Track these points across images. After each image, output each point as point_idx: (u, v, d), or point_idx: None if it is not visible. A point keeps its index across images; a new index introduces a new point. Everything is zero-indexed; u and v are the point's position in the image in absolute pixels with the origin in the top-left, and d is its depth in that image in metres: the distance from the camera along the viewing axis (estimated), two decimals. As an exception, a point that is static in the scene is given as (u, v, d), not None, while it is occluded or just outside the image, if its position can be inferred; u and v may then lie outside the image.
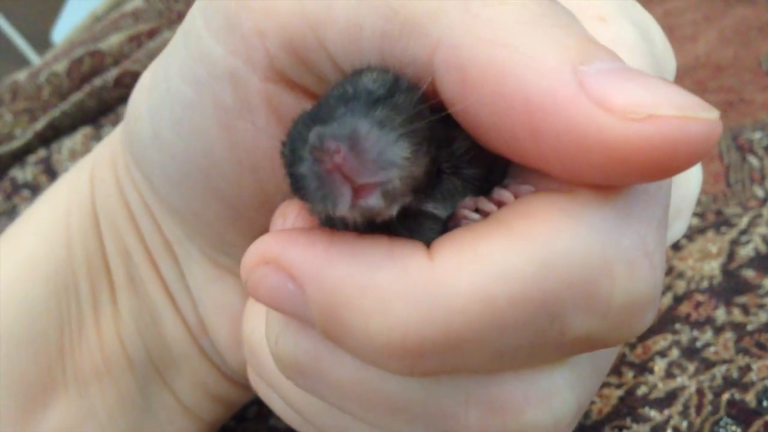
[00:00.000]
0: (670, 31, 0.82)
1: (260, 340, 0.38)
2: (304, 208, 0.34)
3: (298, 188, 0.28)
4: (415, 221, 0.30)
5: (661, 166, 0.25)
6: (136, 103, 0.42)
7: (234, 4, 0.33)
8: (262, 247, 0.30)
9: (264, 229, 0.38)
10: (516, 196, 0.29)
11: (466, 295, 0.26)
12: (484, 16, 0.27)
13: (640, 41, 0.34)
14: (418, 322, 0.26)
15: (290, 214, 0.35)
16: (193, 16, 0.36)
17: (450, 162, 0.31)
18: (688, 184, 0.42)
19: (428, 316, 0.26)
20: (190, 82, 0.36)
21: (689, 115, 0.24)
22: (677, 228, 0.42)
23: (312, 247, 0.28)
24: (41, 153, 0.77)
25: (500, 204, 0.29)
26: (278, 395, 0.38)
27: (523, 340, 0.27)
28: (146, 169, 0.42)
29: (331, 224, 0.30)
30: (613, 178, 0.26)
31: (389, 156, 0.26)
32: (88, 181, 0.48)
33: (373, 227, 0.29)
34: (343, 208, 0.26)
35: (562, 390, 0.30)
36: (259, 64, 0.33)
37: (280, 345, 0.32)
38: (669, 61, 0.39)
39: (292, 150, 0.29)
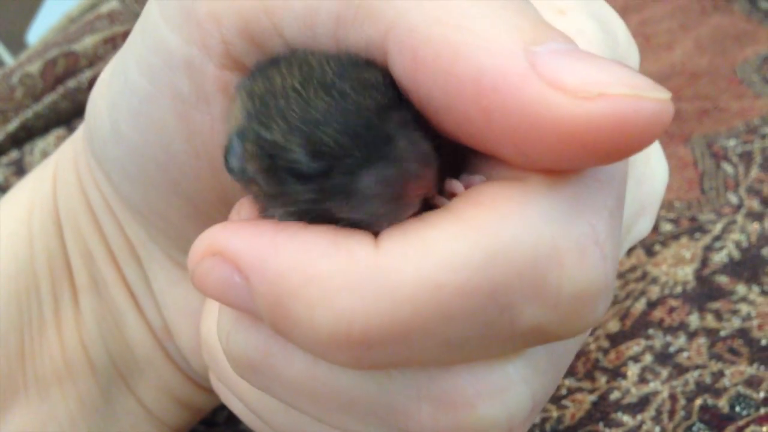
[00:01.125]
0: (646, 39, 0.83)
1: (216, 339, 0.36)
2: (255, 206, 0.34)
3: (330, 197, 0.28)
4: None
5: (612, 147, 0.24)
6: (96, 100, 0.41)
7: None
8: (208, 239, 0.29)
9: None
10: (467, 187, 0.29)
11: (413, 284, 0.25)
12: None
13: (599, 33, 0.34)
14: (364, 311, 0.26)
15: (243, 210, 0.34)
16: (149, 6, 0.35)
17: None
18: (653, 180, 0.42)
19: (373, 306, 0.25)
20: (146, 73, 0.35)
21: (640, 94, 0.24)
22: (643, 225, 0.42)
23: (258, 237, 0.28)
24: (13, 154, 0.76)
25: (452, 196, 0.29)
26: (234, 395, 0.38)
27: (472, 330, 0.26)
28: (107, 166, 0.42)
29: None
30: (565, 160, 0.26)
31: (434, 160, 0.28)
32: (51, 180, 0.47)
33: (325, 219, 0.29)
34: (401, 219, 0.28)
35: (515, 384, 0.29)
36: (214, 50, 0.32)
37: (231, 342, 0.32)
38: (632, 55, 0.39)
39: (325, 162, 0.28)
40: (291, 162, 0.28)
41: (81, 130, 0.47)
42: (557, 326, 0.27)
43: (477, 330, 0.26)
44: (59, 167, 0.47)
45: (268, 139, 0.29)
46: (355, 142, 0.27)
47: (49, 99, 0.77)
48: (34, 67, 0.78)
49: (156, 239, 0.44)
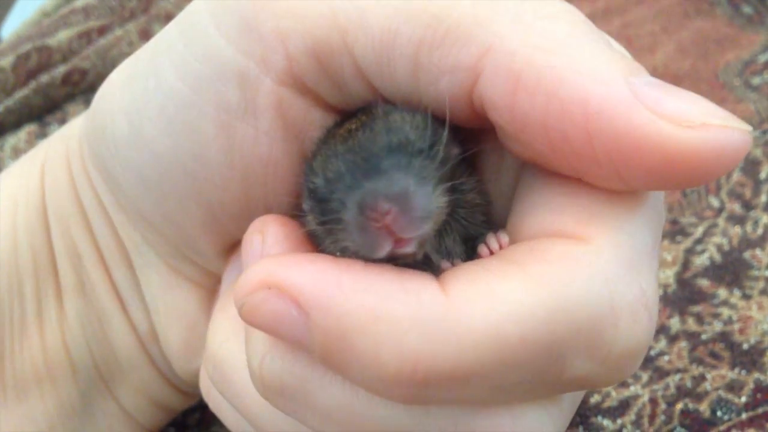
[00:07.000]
0: (628, 42, 0.83)
1: (228, 354, 0.37)
2: (284, 225, 0.35)
3: (330, 221, 0.30)
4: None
5: (707, 169, 0.27)
6: (107, 101, 0.40)
7: (252, 4, 0.32)
8: (262, 272, 0.29)
9: (236, 239, 0.38)
10: (501, 246, 0.31)
11: (480, 332, 0.27)
12: (538, 27, 0.28)
13: None
14: (431, 353, 0.27)
15: (269, 233, 0.34)
16: (197, 14, 0.35)
17: (453, 203, 0.32)
18: None
19: (441, 349, 0.27)
20: (188, 80, 0.35)
21: (733, 125, 0.27)
22: None
23: (322, 275, 0.28)
24: (-17, 151, 0.74)
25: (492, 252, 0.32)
26: (242, 413, 0.37)
27: (524, 377, 0.28)
28: (114, 168, 0.40)
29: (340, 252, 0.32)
30: (658, 181, 0.28)
31: (429, 210, 0.29)
32: (38, 176, 0.46)
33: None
34: (382, 255, 0.29)
35: (546, 425, 0.31)
36: (275, 66, 0.33)
37: (265, 366, 0.32)
38: None
39: (329, 187, 0.30)
40: (313, 185, 0.31)
41: (76, 127, 0.46)
42: (600, 378, 0.30)
43: (528, 377, 0.28)
44: (48, 164, 0.46)
45: (310, 167, 0.33)
46: (349, 169, 0.30)
47: (20, 94, 0.76)
48: (6, 62, 0.76)
49: (154, 243, 0.43)
